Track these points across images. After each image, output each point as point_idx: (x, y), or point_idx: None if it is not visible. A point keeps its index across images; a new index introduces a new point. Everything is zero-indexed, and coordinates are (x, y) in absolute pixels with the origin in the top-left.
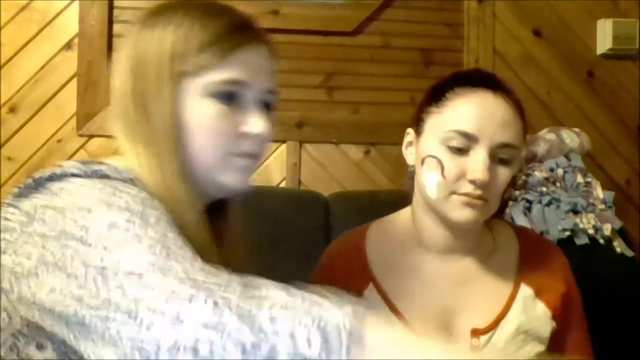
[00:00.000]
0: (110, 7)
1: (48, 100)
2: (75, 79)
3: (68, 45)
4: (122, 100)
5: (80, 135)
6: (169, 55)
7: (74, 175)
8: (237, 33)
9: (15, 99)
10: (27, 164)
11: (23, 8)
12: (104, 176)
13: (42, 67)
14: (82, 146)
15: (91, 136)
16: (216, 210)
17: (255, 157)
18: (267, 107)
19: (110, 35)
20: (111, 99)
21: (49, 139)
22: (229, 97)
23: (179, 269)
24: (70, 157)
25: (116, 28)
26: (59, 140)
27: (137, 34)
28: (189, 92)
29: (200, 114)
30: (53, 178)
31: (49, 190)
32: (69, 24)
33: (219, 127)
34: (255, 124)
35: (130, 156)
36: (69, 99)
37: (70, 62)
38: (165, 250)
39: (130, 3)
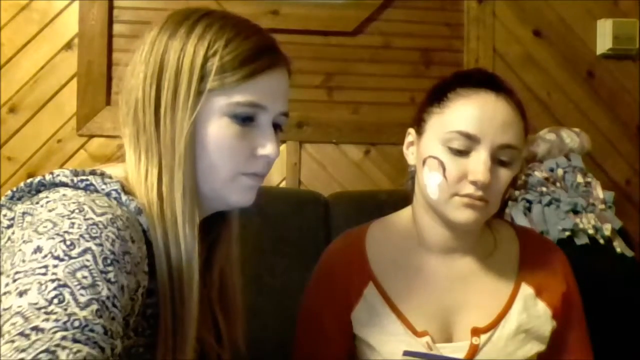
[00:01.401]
0: (110, 7)
1: (48, 100)
2: (75, 79)
3: (68, 45)
4: (135, 104)
5: (80, 135)
6: (195, 71)
7: (62, 183)
8: (266, 56)
9: (15, 99)
10: (27, 164)
11: (23, 8)
12: (89, 186)
13: (42, 67)
14: (82, 146)
15: (91, 136)
16: (213, 217)
17: (263, 177)
18: (278, 127)
19: (110, 35)
20: (123, 98)
21: (49, 139)
22: (248, 119)
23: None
24: (70, 157)
25: (116, 28)
26: (59, 140)
27: (159, 38)
28: (209, 109)
29: (218, 132)
30: (45, 184)
31: (37, 197)
32: (69, 24)
33: (235, 147)
34: (271, 147)
35: (130, 162)
36: (68, 99)
37: (70, 62)
38: (59, 294)
39: (130, 3)
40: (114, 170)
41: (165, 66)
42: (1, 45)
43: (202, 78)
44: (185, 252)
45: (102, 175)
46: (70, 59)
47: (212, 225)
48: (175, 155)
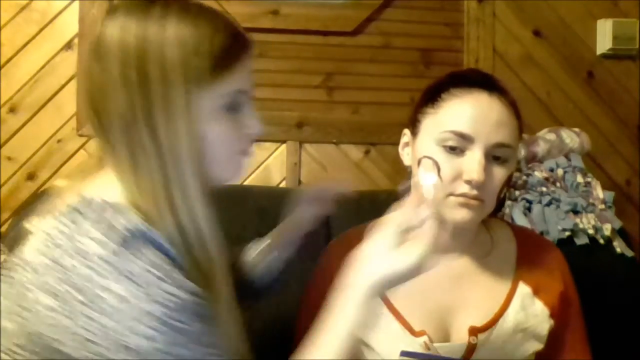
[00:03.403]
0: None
1: (48, 101)
2: (75, 79)
3: (68, 45)
4: (122, 117)
5: (80, 135)
6: (179, 66)
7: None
8: (239, 43)
9: (15, 99)
10: (27, 164)
11: (23, 8)
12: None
13: (42, 67)
14: (82, 146)
15: (91, 136)
16: None
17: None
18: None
19: None
20: (95, 108)
21: (49, 139)
22: (239, 106)
23: None
24: (70, 157)
25: None
26: (59, 140)
27: (124, 38)
28: (201, 107)
29: (216, 127)
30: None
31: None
32: (69, 24)
33: (233, 136)
34: (258, 125)
35: (127, 179)
36: (68, 99)
37: (70, 62)
38: None
39: None
40: (105, 187)
41: (141, 61)
42: (1, 45)
43: (191, 77)
44: (212, 259)
45: (122, 213)
46: (70, 59)
47: None
48: (181, 165)
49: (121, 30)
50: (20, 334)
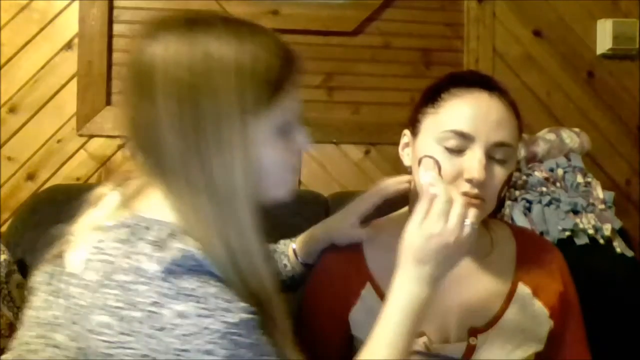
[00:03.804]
0: (110, 7)
1: (48, 100)
2: (75, 79)
3: (68, 45)
4: (171, 151)
5: (80, 135)
6: (234, 97)
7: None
8: (293, 60)
9: (15, 99)
10: (27, 164)
11: (23, 8)
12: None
13: (42, 67)
14: (82, 146)
15: (91, 136)
16: None
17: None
18: None
19: (110, 36)
20: (142, 143)
21: (49, 139)
22: (291, 125)
23: None
24: (70, 157)
25: (116, 28)
26: (59, 140)
27: (170, 56)
28: (257, 134)
29: (271, 151)
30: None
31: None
32: (69, 24)
33: (286, 157)
34: (308, 140)
35: (187, 220)
36: (68, 99)
37: (70, 62)
38: None
39: (130, 3)
40: (158, 209)
41: (202, 105)
42: (1, 45)
43: (247, 107)
44: (266, 291)
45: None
46: (70, 59)
47: None
48: (236, 200)
49: (166, 59)
50: (71, 347)
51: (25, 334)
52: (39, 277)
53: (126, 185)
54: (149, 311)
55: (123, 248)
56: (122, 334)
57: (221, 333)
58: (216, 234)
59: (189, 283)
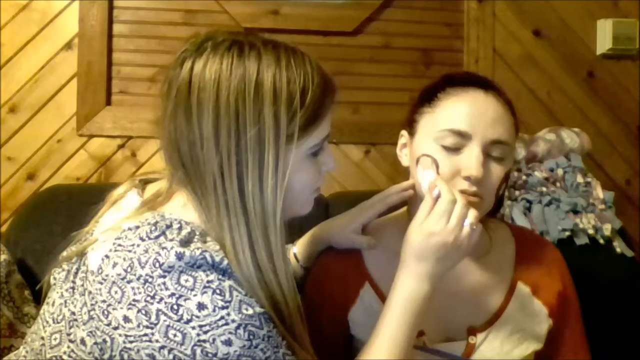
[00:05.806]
0: (110, 7)
1: (48, 101)
2: (75, 79)
3: (68, 45)
4: (213, 173)
5: (80, 135)
6: (273, 126)
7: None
8: (329, 88)
9: (15, 99)
10: (27, 164)
11: (23, 8)
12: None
13: (42, 67)
14: (82, 146)
15: (91, 136)
16: None
17: None
18: None
19: (110, 35)
20: (178, 149)
21: (49, 139)
22: (321, 149)
23: None
24: (70, 157)
25: (116, 28)
26: (59, 140)
27: (218, 78)
28: (291, 159)
29: (302, 175)
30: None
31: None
32: (69, 24)
33: (313, 179)
34: (333, 162)
35: (213, 227)
36: (68, 99)
37: (70, 62)
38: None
39: (130, 3)
40: (185, 213)
41: (245, 131)
42: (1, 45)
43: (285, 135)
44: (289, 306)
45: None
46: (70, 59)
47: None
48: (266, 222)
49: (215, 80)
50: (88, 343)
51: (41, 330)
52: (57, 275)
53: (145, 189)
54: (168, 303)
55: (143, 244)
56: (141, 326)
57: (238, 324)
58: (249, 253)
59: (207, 276)
